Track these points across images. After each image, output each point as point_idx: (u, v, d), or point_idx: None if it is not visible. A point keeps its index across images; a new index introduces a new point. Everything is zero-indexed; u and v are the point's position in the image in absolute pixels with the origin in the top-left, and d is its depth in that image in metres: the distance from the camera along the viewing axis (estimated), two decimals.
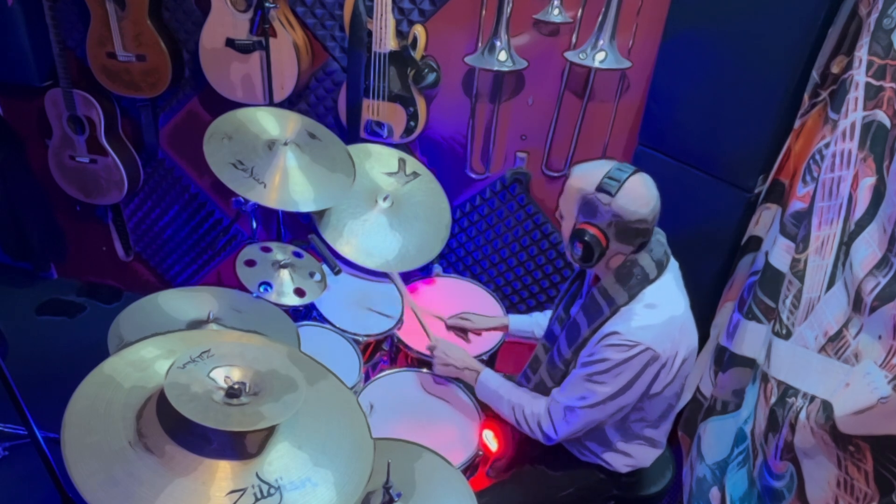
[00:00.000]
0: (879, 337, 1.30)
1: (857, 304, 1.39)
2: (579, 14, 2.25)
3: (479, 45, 2.36)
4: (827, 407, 1.39)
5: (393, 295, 2.22)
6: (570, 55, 2.25)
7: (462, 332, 2.13)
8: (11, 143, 3.03)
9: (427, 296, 2.31)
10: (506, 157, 2.62)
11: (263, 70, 2.45)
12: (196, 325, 1.66)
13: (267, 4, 2.28)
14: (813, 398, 1.47)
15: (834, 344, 1.45)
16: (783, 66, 1.82)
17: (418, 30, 2.37)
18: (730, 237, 2.10)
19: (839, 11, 1.74)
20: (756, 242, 2.07)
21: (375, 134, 2.53)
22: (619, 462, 1.77)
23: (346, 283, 2.21)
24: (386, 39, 2.32)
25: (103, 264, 3.37)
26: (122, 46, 2.56)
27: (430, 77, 2.44)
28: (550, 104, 2.46)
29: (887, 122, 1.46)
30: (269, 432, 1.19)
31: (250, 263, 1.96)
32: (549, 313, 2.09)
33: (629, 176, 1.50)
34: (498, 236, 2.79)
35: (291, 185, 1.98)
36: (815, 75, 1.82)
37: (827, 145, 1.70)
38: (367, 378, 2.03)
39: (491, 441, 1.89)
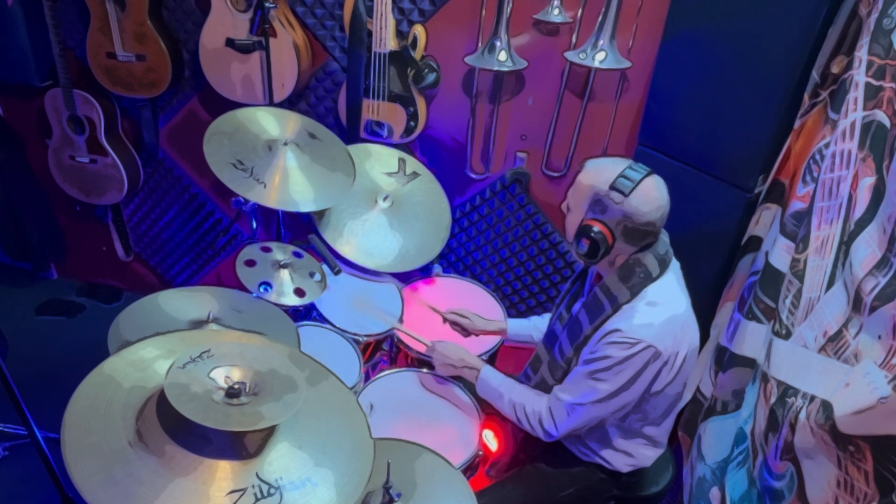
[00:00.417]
0: (879, 337, 1.30)
1: (856, 304, 1.39)
2: (579, 14, 2.25)
3: (479, 45, 2.36)
4: (827, 407, 1.39)
5: (393, 295, 2.23)
6: (570, 55, 2.25)
7: (460, 328, 2.13)
8: (11, 143, 3.03)
9: (427, 296, 2.31)
10: (506, 157, 2.62)
11: (263, 70, 2.45)
12: (196, 325, 1.66)
13: (267, 4, 2.28)
14: (813, 398, 1.47)
15: (834, 344, 1.45)
16: (783, 66, 1.82)
17: (418, 30, 2.37)
18: (730, 237, 2.10)
19: (839, 11, 1.74)
20: (756, 242, 2.06)
21: (375, 134, 2.53)
22: (619, 461, 1.77)
23: (346, 283, 2.21)
24: (386, 39, 2.32)
25: (103, 264, 3.37)
26: (122, 46, 2.56)
27: (430, 77, 2.44)
28: (550, 104, 2.46)
29: (887, 122, 1.46)
30: (269, 432, 1.19)
31: (250, 263, 1.96)
32: (546, 317, 2.09)
33: (644, 177, 1.51)
34: (498, 236, 2.79)
35: (291, 185, 1.98)
36: (815, 75, 1.82)
37: (827, 145, 1.70)
38: (367, 378, 2.03)
39: (491, 441, 1.89)
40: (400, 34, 2.40)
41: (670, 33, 2.06)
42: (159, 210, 3.15)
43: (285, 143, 2.01)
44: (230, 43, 2.46)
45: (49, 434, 1.57)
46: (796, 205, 1.81)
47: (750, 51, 1.86)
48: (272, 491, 1.13)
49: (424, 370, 2.02)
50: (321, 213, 2.10)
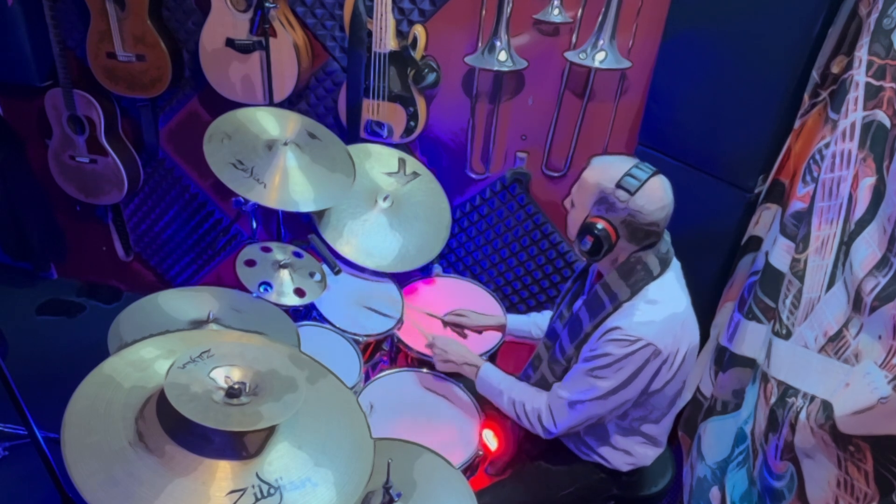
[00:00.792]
0: (879, 337, 1.30)
1: (857, 304, 1.39)
2: (579, 14, 2.25)
3: (479, 45, 2.36)
4: (827, 407, 1.39)
5: (393, 295, 2.23)
6: (570, 55, 2.25)
7: (459, 329, 2.13)
8: (11, 143, 3.03)
9: (427, 296, 2.31)
10: (506, 157, 2.62)
11: (263, 70, 2.45)
12: (196, 325, 1.66)
13: (267, 4, 2.28)
14: (813, 398, 1.47)
15: (834, 344, 1.45)
16: (783, 66, 1.82)
17: (418, 30, 2.37)
18: (730, 237, 2.10)
19: (839, 11, 1.74)
20: (756, 242, 2.07)
21: (375, 134, 2.53)
22: (619, 460, 1.77)
23: (346, 283, 2.21)
24: (386, 39, 2.32)
25: (103, 264, 3.37)
26: (122, 46, 2.56)
27: (430, 77, 2.44)
28: (550, 104, 2.46)
29: (887, 122, 1.46)
30: (269, 432, 1.19)
31: (250, 263, 1.96)
32: (546, 314, 2.09)
33: (650, 176, 1.51)
34: (498, 236, 2.79)
35: (291, 185, 1.98)
36: (815, 75, 1.82)
37: (827, 145, 1.70)
38: (367, 378, 2.03)
39: (491, 440, 1.89)
40: (400, 34, 2.40)
41: (670, 33, 2.06)
42: (159, 210, 3.15)
43: (285, 143, 2.01)
44: (230, 43, 2.46)
45: (49, 434, 1.57)
46: (796, 205, 1.81)
47: (750, 51, 1.86)
48: (272, 491, 1.13)
49: (424, 370, 2.02)
50: (321, 213, 2.10)
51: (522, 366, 1.91)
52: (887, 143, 1.44)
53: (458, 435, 1.86)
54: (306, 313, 2.19)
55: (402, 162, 2.30)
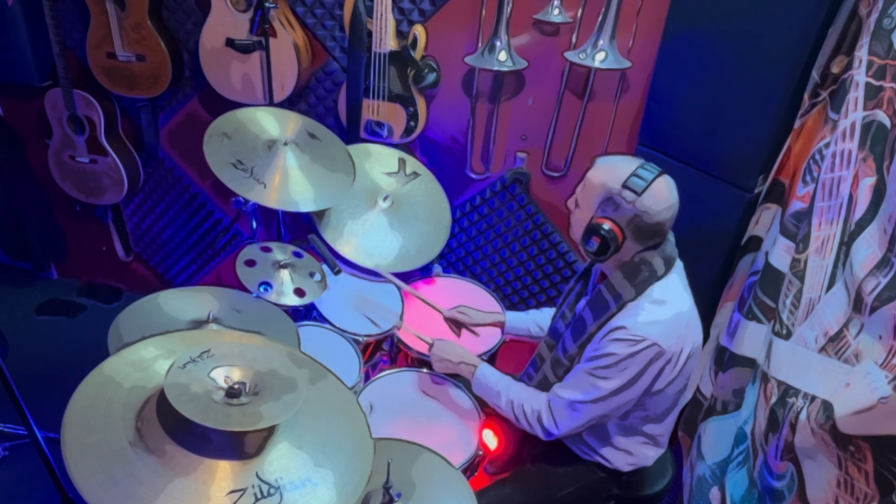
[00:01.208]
0: (880, 337, 1.30)
1: (857, 304, 1.39)
2: (579, 14, 2.25)
3: (479, 45, 2.36)
4: (827, 407, 1.39)
5: (393, 295, 2.23)
6: (570, 55, 2.25)
7: (456, 326, 2.13)
8: (11, 143, 3.03)
9: (427, 296, 2.30)
10: (506, 157, 2.62)
11: (263, 70, 2.45)
12: (196, 325, 1.66)
13: (267, 4, 2.28)
14: (813, 398, 1.47)
15: (834, 344, 1.45)
16: (783, 66, 1.82)
17: (418, 30, 2.37)
18: (730, 237, 2.10)
19: (839, 11, 1.74)
20: (756, 242, 2.06)
21: (375, 134, 2.53)
22: (620, 460, 1.77)
23: (346, 283, 2.21)
24: (386, 39, 2.32)
25: (103, 264, 3.37)
26: (122, 46, 2.56)
27: (430, 77, 2.44)
28: (550, 104, 2.46)
29: (887, 122, 1.46)
30: (269, 432, 1.19)
31: (250, 263, 1.96)
32: (545, 311, 2.09)
33: (656, 177, 1.51)
34: (498, 236, 2.79)
35: (291, 185, 1.98)
36: (815, 75, 1.82)
37: (827, 145, 1.70)
38: (367, 378, 2.02)
39: (491, 440, 1.89)
40: (400, 34, 2.40)
41: (670, 33, 2.06)
42: (159, 210, 3.15)
43: (285, 143, 2.01)
44: (230, 43, 2.46)
45: (49, 434, 1.57)
46: (796, 205, 1.81)
47: (750, 51, 1.86)
48: (272, 491, 1.13)
49: (424, 370, 2.02)
50: (321, 213, 2.10)
51: (523, 366, 1.90)
52: (887, 143, 1.44)
53: (458, 435, 1.86)
54: (306, 313, 2.19)
55: (402, 162, 2.30)
